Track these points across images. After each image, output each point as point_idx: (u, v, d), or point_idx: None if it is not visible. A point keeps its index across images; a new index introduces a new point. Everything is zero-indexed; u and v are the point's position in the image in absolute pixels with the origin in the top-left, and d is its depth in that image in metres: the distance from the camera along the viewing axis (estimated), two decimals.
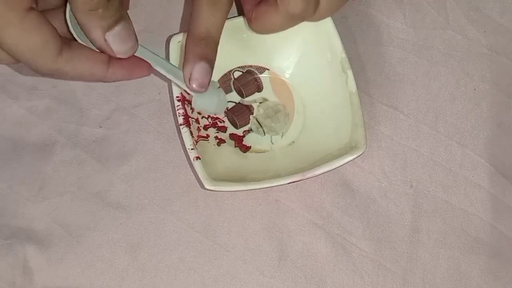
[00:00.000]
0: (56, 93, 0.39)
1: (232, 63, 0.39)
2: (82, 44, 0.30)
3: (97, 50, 0.30)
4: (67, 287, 0.36)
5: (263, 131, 0.39)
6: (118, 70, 0.31)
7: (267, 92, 0.39)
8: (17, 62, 0.29)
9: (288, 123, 0.39)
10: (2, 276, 0.36)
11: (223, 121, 0.39)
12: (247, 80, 0.39)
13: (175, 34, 0.37)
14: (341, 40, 0.37)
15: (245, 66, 0.39)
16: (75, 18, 0.29)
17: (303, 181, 0.35)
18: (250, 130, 0.39)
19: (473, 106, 0.40)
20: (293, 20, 0.34)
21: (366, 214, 0.38)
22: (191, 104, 0.36)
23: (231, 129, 0.39)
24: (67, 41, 0.29)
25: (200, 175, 0.34)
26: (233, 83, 0.39)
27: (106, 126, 0.39)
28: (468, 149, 0.39)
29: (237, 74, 0.39)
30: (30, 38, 0.27)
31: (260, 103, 0.39)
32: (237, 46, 0.38)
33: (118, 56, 0.30)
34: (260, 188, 0.35)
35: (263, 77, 0.40)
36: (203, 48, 0.33)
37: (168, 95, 0.40)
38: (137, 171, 0.38)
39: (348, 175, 0.39)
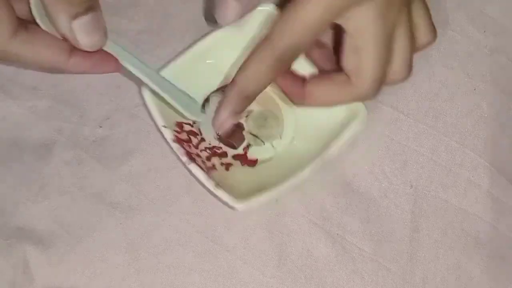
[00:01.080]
0: (56, 93, 0.39)
1: (206, 89, 0.39)
2: (42, 29, 0.28)
3: (60, 38, 0.29)
4: (67, 287, 0.36)
5: (261, 141, 0.39)
6: (81, 62, 0.29)
7: None
8: None
9: (281, 123, 0.39)
10: (2, 276, 0.36)
11: (221, 147, 0.39)
12: None
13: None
14: None
15: (218, 88, 0.39)
16: (42, 0, 0.27)
17: (303, 181, 0.35)
18: (249, 145, 0.39)
19: (473, 106, 0.40)
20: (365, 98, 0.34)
21: (366, 214, 0.38)
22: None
23: (231, 152, 0.39)
24: (25, 23, 0.28)
25: (227, 200, 0.34)
26: None
27: (106, 126, 0.39)
28: (468, 149, 0.39)
29: (214, 99, 0.39)
30: None
31: (247, 116, 0.39)
32: (206, 71, 0.38)
33: (83, 48, 0.29)
34: (287, 189, 0.35)
35: None
36: (243, 106, 0.33)
37: None
38: (137, 171, 0.38)
39: (348, 175, 0.39)
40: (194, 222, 0.37)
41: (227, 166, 0.38)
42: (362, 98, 0.34)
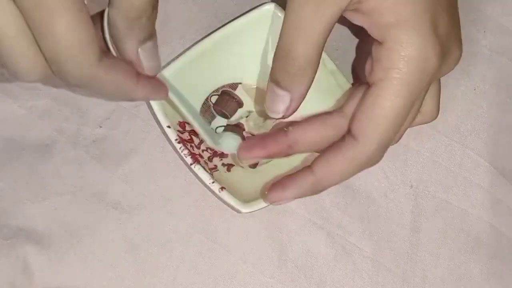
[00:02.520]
0: (56, 93, 0.39)
1: (206, 89, 0.39)
2: (114, 55, 0.29)
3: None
4: (67, 287, 0.36)
5: None
6: (146, 86, 0.29)
7: (248, 104, 0.39)
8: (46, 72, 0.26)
9: None
10: (2, 276, 0.36)
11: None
12: (225, 101, 0.39)
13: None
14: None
15: (219, 88, 0.39)
16: (113, 24, 0.27)
17: None
18: None
19: (473, 106, 0.40)
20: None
21: (366, 214, 0.38)
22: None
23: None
24: (104, 49, 0.28)
25: (232, 203, 0.34)
26: (214, 108, 0.39)
27: (106, 126, 0.39)
28: (468, 149, 0.39)
29: (214, 98, 0.39)
30: (82, 31, 0.24)
31: (247, 117, 0.39)
32: (205, 71, 0.38)
33: (147, 72, 0.29)
34: None
35: (239, 91, 0.39)
36: (307, 194, 0.33)
37: None
38: (137, 171, 0.38)
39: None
40: (194, 222, 0.37)
41: (229, 167, 0.38)
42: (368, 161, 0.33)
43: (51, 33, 0.24)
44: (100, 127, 0.39)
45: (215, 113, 0.39)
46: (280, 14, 0.37)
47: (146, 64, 0.29)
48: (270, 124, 0.39)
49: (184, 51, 0.37)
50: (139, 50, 0.28)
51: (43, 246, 0.36)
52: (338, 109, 0.34)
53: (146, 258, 0.37)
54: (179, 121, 0.37)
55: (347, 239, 0.38)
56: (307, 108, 0.39)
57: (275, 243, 0.37)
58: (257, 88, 0.40)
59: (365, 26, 0.31)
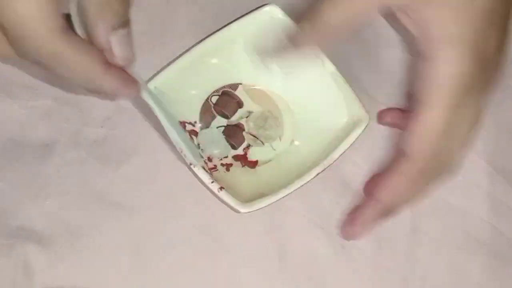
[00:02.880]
0: (57, 93, 0.39)
1: (207, 90, 0.39)
2: (81, 37, 0.28)
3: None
4: (67, 287, 0.36)
5: (261, 141, 0.39)
6: (115, 77, 0.29)
7: (249, 104, 0.40)
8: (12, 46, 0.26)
9: (280, 125, 0.39)
10: (2, 276, 0.36)
11: None
12: (226, 101, 0.39)
13: (149, 80, 0.36)
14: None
15: (219, 89, 0.39)
16: (84, 9, 0.27)
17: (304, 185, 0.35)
18: (249, 146, 0.39)
19: None
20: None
21: None
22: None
23: (232, 152, 0.39)
24: (67, 26, 0.27)
25: (231, 203, 0.34)
26: (214, 109, 0.39)
27: (107, 126, 0.39)
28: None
29: (214, 99, 0.39)
30: (44, 3, 0.25)
31: (247, 117, 0.39)
32: (206, 72, 0.38)
33: (118, 60, 0.28)
34: (290, 193, 0.35)
35: (239, 92, 0.40)
36: (380, 220, 0.35)
37: None
38: (138, 171, 0.38)
39: (348, 175, 0.39)
40: (194, 222, 0.37)
41: (228, 166, 0.38)
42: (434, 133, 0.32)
43: (12, 5, 0.24)
44: (101, 127, 0.39)
45: (215, 113, 0.39)
46: (281, 16, 0.37)
47: (117, 53, 0.28)
48: (270, 124, 0.39)
49: (184, 52, 0.37)
50: (111, 37, 0.28)
51: (43, 246, 0.36)
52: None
53: (146, 258, 0.37)
54: (179, 121, 0.37)
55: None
56: (307, 109, 0.39)
57: (275, 243, 0.37)
58: (257, 88, 0.40)
59: (413, 33, 0.32)
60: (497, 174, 0.39)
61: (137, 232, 0.37)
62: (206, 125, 0.39)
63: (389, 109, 0.40)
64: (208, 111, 0.39)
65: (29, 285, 0.36)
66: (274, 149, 0.39)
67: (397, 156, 0.33)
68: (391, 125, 0.40)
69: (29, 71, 0.40)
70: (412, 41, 0.32)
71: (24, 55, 0.27)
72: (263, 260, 0.37)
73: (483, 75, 0.31)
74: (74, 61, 0.26)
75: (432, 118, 0.31)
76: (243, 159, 0.39)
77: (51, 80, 0.38)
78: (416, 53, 0.32)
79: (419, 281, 0.37)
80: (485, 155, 0.39)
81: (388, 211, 0.34)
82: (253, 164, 0.39)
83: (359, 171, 0.39)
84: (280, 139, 0.39)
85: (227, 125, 0.39)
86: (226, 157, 0.38)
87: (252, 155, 0.39)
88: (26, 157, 0.38)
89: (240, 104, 0.39)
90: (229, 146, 0.39)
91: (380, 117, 0.40)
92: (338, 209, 0.38)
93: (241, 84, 0.40)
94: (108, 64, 0.28)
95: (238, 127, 0.39)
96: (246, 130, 0.39)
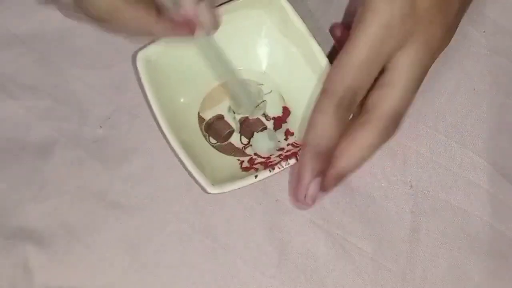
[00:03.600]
0: (56, 93, 0.39)
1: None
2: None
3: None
4: (67, 287, 0.36)
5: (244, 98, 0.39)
6: (166, 24, 0.32)
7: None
8: None
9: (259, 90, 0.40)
10: (2, 276, 0.36)
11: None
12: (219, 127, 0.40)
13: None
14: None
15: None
16: None
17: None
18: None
19: (473, 107, 0.40)
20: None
21: (366, 214, 0.38)
22: None
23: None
24: None
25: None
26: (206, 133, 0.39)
27: (106, 126, 0.39)
28: (468, 149, 0.39)
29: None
30: None
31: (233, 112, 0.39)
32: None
33: (207, 28, 0.33)
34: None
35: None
36: (323, 163, 0.33)
37: None
38: (137, 171, 0.38)
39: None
40: (194, 222, 0.37)
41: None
42: (381, 135, 0.33)
43: None
44: (101, 127, 0.39)
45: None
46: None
47: (205, 21, 0.32)
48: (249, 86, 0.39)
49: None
50: (198, 7, 0.31)
51: (43, 246, 0.36)
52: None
53: (146, 258, 0.37)
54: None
55: (347, 239, 0.38)
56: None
57: (275, 243, 0.37)
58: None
59: None
60: (497, 174, 0.39)
61: (136, 232, 0.37)
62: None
63: (341, 25, 0.40)
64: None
65: (29, 285, 0.36)
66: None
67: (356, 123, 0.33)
68: (337, 41, 0.40)
69: (29, 70, 0.40)
70: None
71: (86, 10, 0.30)
72: (263, 260, 0.37)
73: (404, 23, 0.32)
74: (131, 14, 0.30)
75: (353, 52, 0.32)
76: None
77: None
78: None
79: (419, 281, 0.37)
80: (485, 155, 0.39)
81: (341, 178, 0.34)
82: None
83: (359, 171, 0.38)
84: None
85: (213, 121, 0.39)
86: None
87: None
88: (25, 157, 0.38)
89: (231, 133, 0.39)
90: (272, 143, 0.38)
91: (334, 26, 0.40)
92: (338, 209, 0.38)
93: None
94: (159, 16, 0.32)
95: (220, 120, 0.39)
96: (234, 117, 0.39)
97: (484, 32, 0.41)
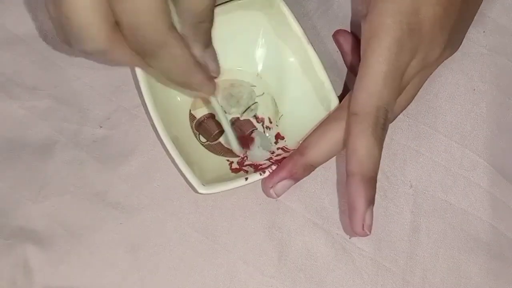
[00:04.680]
0: (56, 93, 0.39)
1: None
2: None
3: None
4: (67, 287, 0.36)
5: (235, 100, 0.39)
6: (202, 72, 0.31)
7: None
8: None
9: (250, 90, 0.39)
10: (2, 276, 0.36)
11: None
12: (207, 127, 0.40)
13: None
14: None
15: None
16: (182, 26, 0.29)
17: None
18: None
19: (473, 107, 0.40)
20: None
21: None
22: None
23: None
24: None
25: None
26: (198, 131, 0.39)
27: (106, 126, 0.39)
28: (468, 149, 0.39)
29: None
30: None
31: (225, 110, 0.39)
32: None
33: (212, 72, 0.32)
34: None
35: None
36: (374, 189, 0.33)
37: None
38: (137, 171, 0.38)
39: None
40: (194, 222, 0.37)
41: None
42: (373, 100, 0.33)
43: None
44: (101, 127, 0.39)
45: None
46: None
47: (211, 67, 0.32)
48: (237, 88, 0.39)
49: None
50: (205, 52, 0.31)
51: (43, 246, 0.36)
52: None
53: (146, 258, 0.37)
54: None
55: (347, 239, 0.38)
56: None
57: (275, 243, 0.37)
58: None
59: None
60: (497, 174, 0.39)
61: (136, 232, 0.37)
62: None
63: (345, 31, 0.41)
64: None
65: (29, 285, 0.36)
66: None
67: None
68: (339, 46, 0.40)
69: (29, 70, 0.40)
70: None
71: (133, 39, 0.28)
72: (263, 260, 0.37)
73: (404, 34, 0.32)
74: (178, 51, 0.28)
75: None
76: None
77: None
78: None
79: (419, 281, 0.37)
80: (485, 155, 0.39)
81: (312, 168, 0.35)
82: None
83: None
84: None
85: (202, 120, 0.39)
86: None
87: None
88: (25, 157, 0.38)
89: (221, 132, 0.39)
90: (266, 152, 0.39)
91: (337, 33, 0.41)
92: (338, 209, 0.38)
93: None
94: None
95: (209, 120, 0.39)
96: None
97: (484, 32, 0.41)
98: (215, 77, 0.32)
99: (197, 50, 0.30)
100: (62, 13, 0.26)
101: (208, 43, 0.31)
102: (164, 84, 0.36)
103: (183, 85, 0.31)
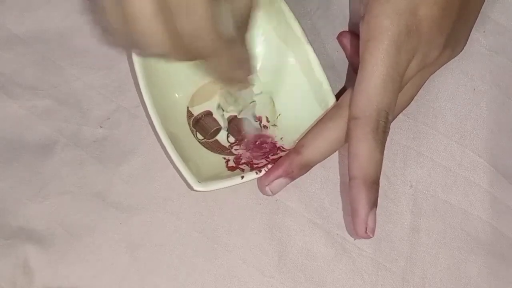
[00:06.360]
0: (56, 93, 0.39)
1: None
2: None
3: None
4: (67, 287, 0.36)
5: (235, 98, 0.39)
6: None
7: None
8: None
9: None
10: (2, 276, 0.36)
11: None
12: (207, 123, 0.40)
13: None
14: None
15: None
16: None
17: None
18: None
19: (473, 107, 0.40)
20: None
21: None
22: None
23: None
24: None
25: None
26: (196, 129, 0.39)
27: (106, 126, 0.39)
28: (468, 149, 0.39)
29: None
30: (210, 15, 0.28)
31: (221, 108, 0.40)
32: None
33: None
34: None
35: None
36: (376, 192, 0.33)
37: None
38: (137, 171, 0.38)
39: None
40: (194, 222, 0.37)
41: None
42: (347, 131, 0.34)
43: (194, 13, 0.27)
44: (101, 127, 0.39)
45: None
46: None
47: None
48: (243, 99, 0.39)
49: None
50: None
51: (43, 246, 0.36)
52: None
53: (146, 258, 0.37)
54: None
55: (347, 239, 0.38)
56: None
57: (275, 243, 0.37)
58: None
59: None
60: (497, 174, 0.39)
61: (136, 232, 0.37)
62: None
63: (350, 33, 0.41)
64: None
65: (29, 285, 0.36)
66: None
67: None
68: (344, 46, 0.41)
69: (29, 70, 0.40)
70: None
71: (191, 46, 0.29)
72: (263, 260, 0.37)
73: (402, 32, 0.32)
74: (226, 57, 0.30)
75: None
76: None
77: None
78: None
79: (419, 281, 0.37)
80: (485, 155, 0.39)
81: (308, 167, 0.36)
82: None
83: None
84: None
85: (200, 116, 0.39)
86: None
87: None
88: (25, 157, 0.38)
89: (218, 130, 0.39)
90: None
91: (341, 34, 0.41)
92: (338, 209, 0.38)
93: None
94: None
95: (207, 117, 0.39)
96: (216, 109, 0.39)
97: (484, 32, 0.41)
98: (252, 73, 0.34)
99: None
100: (126, 21, 0.27)
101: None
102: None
103: (228, 80, 0.33)
